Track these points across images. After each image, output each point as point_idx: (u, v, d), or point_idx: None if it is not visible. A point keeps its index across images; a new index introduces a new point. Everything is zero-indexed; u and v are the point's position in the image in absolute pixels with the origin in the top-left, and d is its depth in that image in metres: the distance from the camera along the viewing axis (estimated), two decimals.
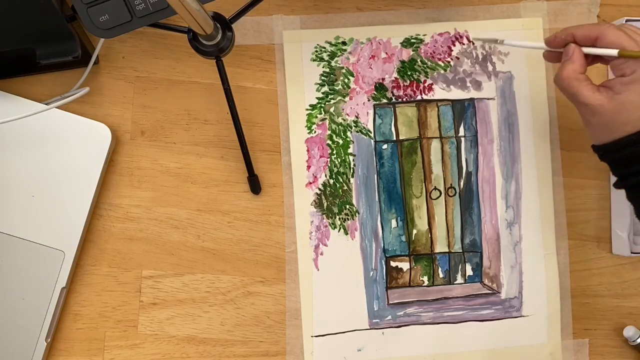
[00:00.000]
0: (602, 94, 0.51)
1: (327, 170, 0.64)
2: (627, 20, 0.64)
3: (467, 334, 0.64)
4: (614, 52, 0.50)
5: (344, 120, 0.64)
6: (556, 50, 0.55)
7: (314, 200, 0.64)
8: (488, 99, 0.65)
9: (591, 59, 0.54)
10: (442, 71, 0.65)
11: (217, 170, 0.64)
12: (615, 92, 0.50)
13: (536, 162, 0.65)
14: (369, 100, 0.65)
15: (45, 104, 0.61)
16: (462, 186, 0.65)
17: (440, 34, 0.65)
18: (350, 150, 0.64)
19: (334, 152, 0.64)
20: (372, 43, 0.65)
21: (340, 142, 0.64)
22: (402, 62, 0.65)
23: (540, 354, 0.64)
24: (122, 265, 0.63)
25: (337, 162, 0.64)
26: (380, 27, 0.65)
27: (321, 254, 0.64)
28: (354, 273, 0.64)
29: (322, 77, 0.65)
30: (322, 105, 0.64)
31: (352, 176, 0.64)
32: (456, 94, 0.65)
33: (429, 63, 0.65)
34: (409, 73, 0.65)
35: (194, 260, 0.64)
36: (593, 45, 0.52)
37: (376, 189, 0.65)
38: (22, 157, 0.61)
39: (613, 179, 0.53)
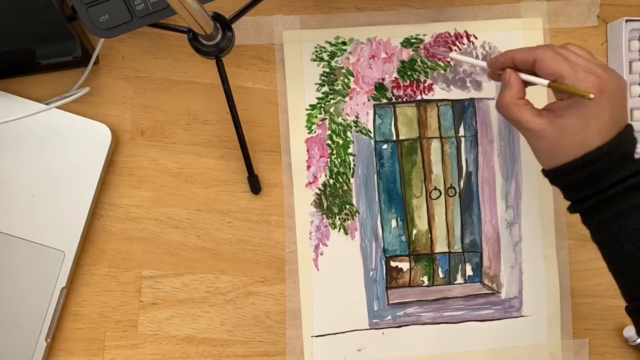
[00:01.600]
0: (544, 118, 0.49)
1: (327, 170, 0.64)
2: (627, 21, 0.64)
3: (467, 334, 0.64)
4: (544, 82, 0.49)
5: (344, 120, 0.64)
6: (498, 72, 0.54)
7: (314, 200, 0.64)
8: (488, 99, 0.65)
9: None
10: (442, 71, 0.65)
11: (217, 170, 0.64)
12: (557, 116, 0.49)
13: (536, 162, 0.65)
14: (369, 100, 0.65)
15: (45, 104, 0.61)
16: (462, 186, 0.65)
17: (440, 34, 0.65)
18: (350, 150, 0.64)
19: (334, 152, 0.64)
20: (372, 43, 0.65)
21: (340, 142, 0.64)
22: (402, 62, 0.65)
23: (540, 354, 0.64)
24: (122, 265, 0.63)
25: (337, 162, 0.64)
26: (380, 27, 0.65)
27: (321, 254, 0.64)
28: (354, 273, 0.64)
29: (322, 77, 0.65)
30: (322, 105, 0.64)
31: (352, 176, 0.64)
32: (456, 94, 0.65)
33: (429, 63, 0.65)
34: (409, 73, 0.65)
35: (194, 260, 0.64)
36: (532, 68, 0.51)
37: (376, 189, 0.65)
38: (22, 157, 0.61)
39: (566, 203, 0.52)
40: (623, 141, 0.48)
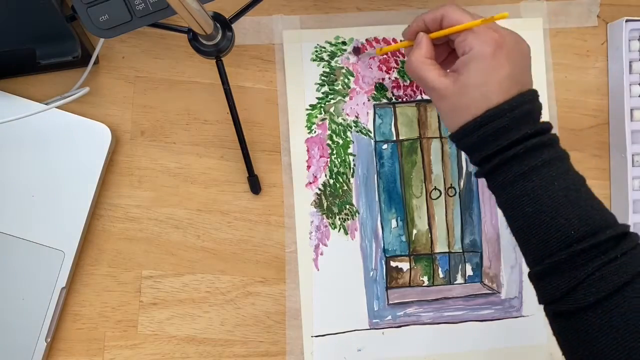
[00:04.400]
0: (449, 77, 0.50)
1: (327, 170, 0.64)
2: (627, 21, 0.64)
3: (467, 334, 0.64)
4: (451, 30, 0.50)
5: (344, 120, 0.65)
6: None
7: (314, 200, 0.64)
8: None
9: (443, 42, 0.54)
10: None
11: (217, 170, 0.64)
12: (459, 74, 0.49)
13: None
14: (369, 100, 0.65)
15: (45, 104, 0.61)
16: (462, 186, 0.65)
17: None
18: (350, 150, 0.64)
19: (334, 152, 0.64)
20: (372, 43, 0.65)
21: (340, 142, 0.64)
22: (402, 62, 0.65)
23: (540, 354, 0.64)
24: (122, 265, 0.63)
25: (337, 162, 0.64)
26: (380, 27, 0.65)
27: (321, 254, 0.64)
28: (354, 273, 0.64)
29: (322, 77, 0.65)
30: (322, 105, 0.64)
31: (352, 176, 0.64)
32: None
33: None
34: None
35: (194, 260, 0.64)
36: (440, 28, 0.52)
37: (376, 189, 0.65)
38: (22, 157, 0.61)
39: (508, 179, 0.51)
40: (525, 100, 0.48)
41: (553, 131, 0.49)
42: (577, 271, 0.45)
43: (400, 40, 0.58)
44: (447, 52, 0.55)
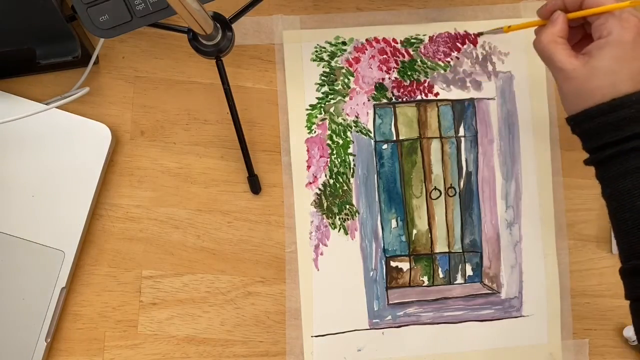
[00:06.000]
0: (578, 59, 0.48)
1: (327, 170, 0.64)
2: None
3: (467, 334, 0.64)
4: (589, 11, 0.48)
5: (344, 120, 0.65)
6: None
7: (314, 200, 0.64)
8: (488, 99, 0.65)
9: (578, 25, 0.52)
10: (442, 71, 0.65)
11: (217, 170, 0.64)
12: (591, 57, 0.47)
13: (536, 162, 0.65)
14: (369, 100, 0.65)
15: (45, 104, 0.61)
16: (462, 186, 0.65)
17: (440, 34, 0.65)
18: (350, 150, 0.64)
19: (334, 152, 0.64)
20: (372, 43, 0.65)
21: (340, 142, 0.64)
22: (402, 62, 0.65)
23: (540, 354, 0.64)
24: (122, 265, 0.63)
25: (337, 162, 0.64)
26: (380, 27, 0.65)
27: (321, 254, 0.64)
28: (354, 273, 0.64)
29: (322, 77, 0.65)
30: (322, 105, 0.64)
31: (352, 176, 0.64)
32: (456, 94, 0.65)
33: (429, 63, 0.65)
34: (409, 73, 0.65)
35: (194, 260, 0.64)
36: (580, 8, 0.50)
37: (376, 189, 0.65)
38: (22, 157, 0.61)
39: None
40: None
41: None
42: None
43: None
44: (580, 35, 0.53)
